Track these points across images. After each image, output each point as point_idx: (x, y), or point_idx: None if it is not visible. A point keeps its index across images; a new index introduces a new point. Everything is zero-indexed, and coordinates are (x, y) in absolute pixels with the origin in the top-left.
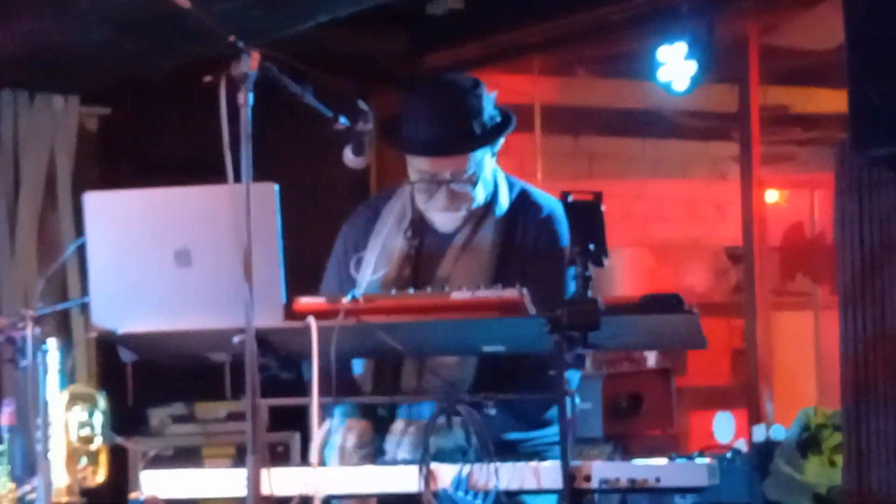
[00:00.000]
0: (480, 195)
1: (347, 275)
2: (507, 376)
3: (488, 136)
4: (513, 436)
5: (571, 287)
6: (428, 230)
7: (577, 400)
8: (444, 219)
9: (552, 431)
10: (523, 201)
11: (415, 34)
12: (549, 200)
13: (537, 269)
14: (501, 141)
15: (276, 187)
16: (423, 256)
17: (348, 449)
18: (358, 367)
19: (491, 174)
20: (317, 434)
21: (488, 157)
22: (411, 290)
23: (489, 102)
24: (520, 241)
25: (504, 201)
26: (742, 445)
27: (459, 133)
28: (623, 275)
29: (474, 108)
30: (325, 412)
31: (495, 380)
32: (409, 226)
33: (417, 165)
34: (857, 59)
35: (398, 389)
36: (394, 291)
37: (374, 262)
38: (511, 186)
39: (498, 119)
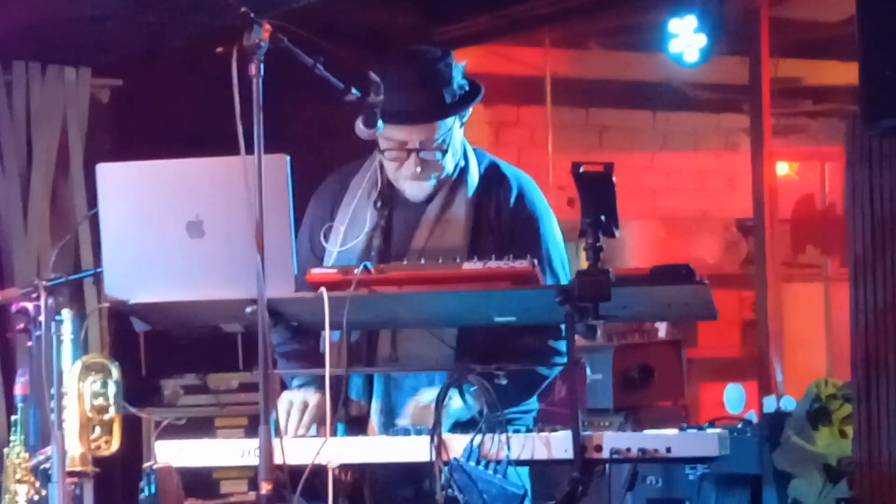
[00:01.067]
0: (450, 164)
1: (317, 245)
2: (489, 347)
3: (458, 105)
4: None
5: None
6: (398, 200)
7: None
8: (413, 188)
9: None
10: (494, 174)
11: (426, 6)
12: (518, 173)
13: (518, 247)
14: (469, 111)
15: (288, 158)
16: (395, 227)
17: (294, 417)
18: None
19: (460, 145)
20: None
21: (457, 127)
22: (422, 261)
23: (458, 72)
24: (494, 217)
25: (474, 173)
26: (752, 416)
27: (430, 101)
28: (633, 247)
29: (444, 76)
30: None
31: (476, 351)
32: (378, 196)
33: (387, 134)
34: (868, 31)
35: (373, 362)
36: (405, 262)
37: (344, 232)
38: (480, 158)
39: (467, 88)
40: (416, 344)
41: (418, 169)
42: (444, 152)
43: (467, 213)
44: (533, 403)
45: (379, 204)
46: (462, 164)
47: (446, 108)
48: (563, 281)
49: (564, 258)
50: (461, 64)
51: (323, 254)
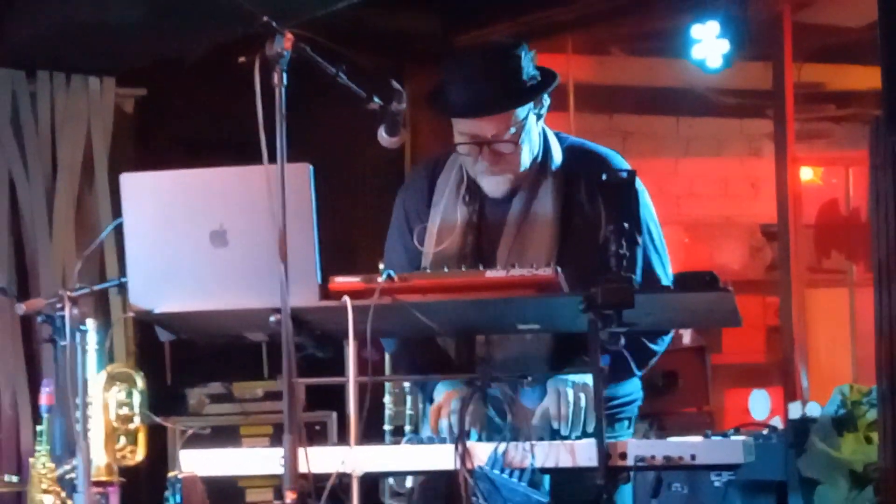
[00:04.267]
0: (526, 158)
1: (411, 246)
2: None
3: (527, 94)
4: None
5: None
6: (485, 197)
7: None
8: (490, 184)
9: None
10: (578, 153)
11: (447, 13)
12: (605, 151)
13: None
14: (546, 101)
15: (311, 167)
16: (486, 223)
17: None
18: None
19: (538, 137)
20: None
21: (533, 119)
22: (446, 269)
23: (528, 61)
24: (586, 198)
25: (557, 157)
26: (778, 423)
27: (497, 92)
28: None
29: (512, 66)
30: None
31: (573, 351)
32: (465, 191)
33: (459, 128)
34: (890, 36)
35: (472, 360)
36: (463, 268)
37: (438, 233)
38: (561, 141)
39: (539, 78)
40: (511, 345)
41: (492, 163)
42: (518, 144)
43: (554, 202)
44: (637, 392)
45: (467, 199)
46: (541, 151)
47: (515, 97)
48: (666, 263)
49: (663, 239)
50: (532, 53)
51: (417, 255)
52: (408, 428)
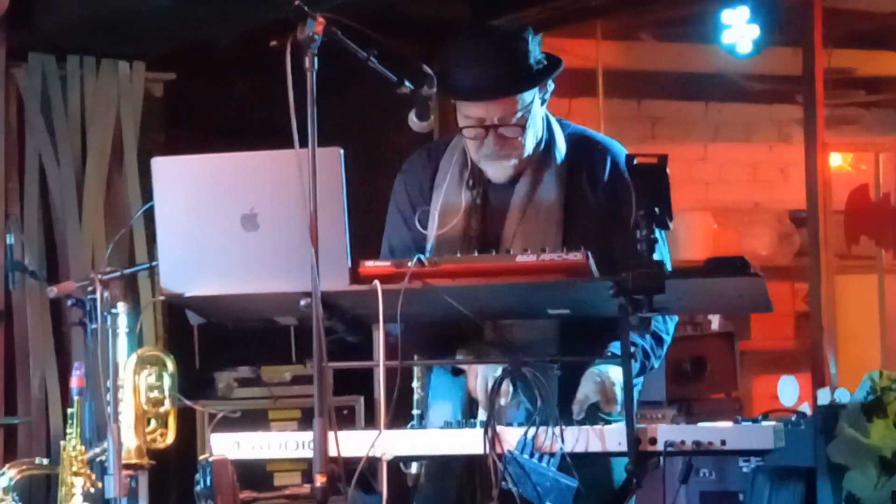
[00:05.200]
0: (530, 143)
1: (413, 228)
2: (593, 335)
3: (534, 78)
4: None
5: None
6: (489, 182)
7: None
8: (494, 169)
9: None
10: (582, 143)
11: None
12: (608, 141)
13: (619, 219)
14: (551, 86)
15: (342, 151)
16: (489, 208)
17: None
18: None
19: (542, 122)
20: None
21: (538, 104)
22: (476, 253)
23: (535, 46)
24: (589, 189)
25: (561, 146)
26: (806, 409)
27: (505, 75)
28: (685, 239)
29: (519, 50)
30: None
31: (581, 338)
32: (469, 175)
33: (465, 111)
34: None
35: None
36: (459, 255)
37: (440, 216)
38: (564, 128)
39: (545, 62)
40: (521, 329)
41: (497, 147)
42: (524, 128)
43: (558, 189)
44: (638, 378)
45: (471, 183)
46: (545, 138)
47: (522, 81)
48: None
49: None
50: (538, 37)
51: (420, 237)
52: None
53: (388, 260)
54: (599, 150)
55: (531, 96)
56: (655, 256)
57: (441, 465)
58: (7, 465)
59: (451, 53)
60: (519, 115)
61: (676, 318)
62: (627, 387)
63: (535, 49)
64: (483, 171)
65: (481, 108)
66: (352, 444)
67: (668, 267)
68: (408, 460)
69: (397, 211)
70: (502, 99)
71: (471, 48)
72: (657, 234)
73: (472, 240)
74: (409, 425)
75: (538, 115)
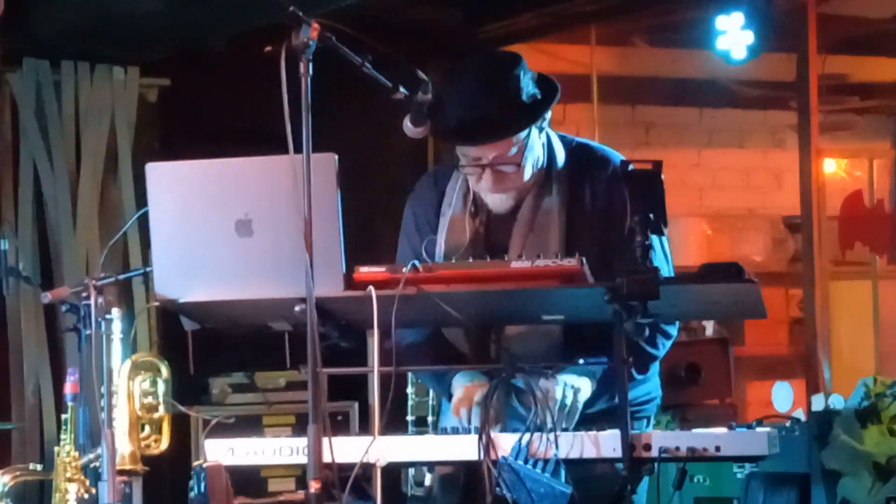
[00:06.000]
0: (529, 171)
1: (420, 255)
2: (595, 345)
3: (528, 117)
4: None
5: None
6: (490, 209)
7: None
8: (494, 200)
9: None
10: (583, 155)
11: (471, 4)
12: (608, 151)
13: (616, 232)
14: (548, 116)
15: (336, 157)
16: (492, 237)
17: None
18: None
19: (541, 146)
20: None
21: (536, 134)
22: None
23: (528, 80)
24: (590, 202)
25: (561, 158)
26: (800, 415)
27: (497, 117)
28: (679, 244)
29: (510, 89)
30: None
31: (587, 343)
32: (472, 204)
33: (461, 150)
34: None
35: (485, 355)
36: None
37: (445, 244)
38: (565, 142)
39: (539, 97)
40: (523, 340)
41: (495, 183)
42: (520, 165)
43: (559, 209)
44: (656, 391)
45: (473, 210)
46: (545, 159)
47: (514, 123)
48: (670, 261)
49: (666, 240)
50: (531, 73)
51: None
52: (431, 419)
53: (384, 266)
54: (601, 161)
55: (526, 132)
56: (656, 263)
57: (449, 476)
58: (1, 471)
59: (442, 92)
60: (514, 151)
61: (676, 334)
62: (622, 392)
63: (528, 84)
64: (483, 199)
65: (475, 148)
66: (346, 450)
67: (671, 273)
68: (402, 467)
69: (406, 237)
70: (495, 141)
71: (461, 86)
72: (658, 240)
73: None
74: (409, 432)
75: (536, 144)
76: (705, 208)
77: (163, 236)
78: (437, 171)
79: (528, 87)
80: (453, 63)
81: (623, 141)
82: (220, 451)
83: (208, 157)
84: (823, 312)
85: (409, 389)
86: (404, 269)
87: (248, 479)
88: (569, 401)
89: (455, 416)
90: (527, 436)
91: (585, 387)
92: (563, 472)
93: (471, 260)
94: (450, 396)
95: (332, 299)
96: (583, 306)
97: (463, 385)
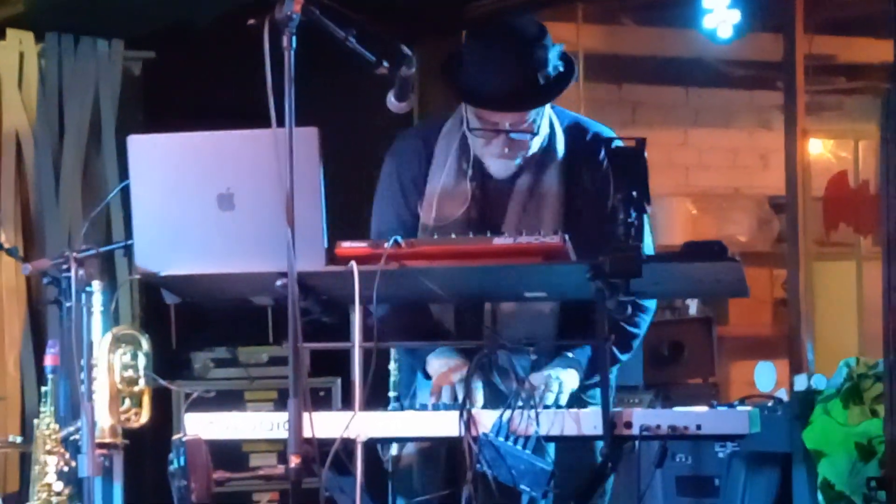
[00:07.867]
0: (537, 143)
1: (409, 212)
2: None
3: (552, 90)
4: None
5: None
6: (487, 174)
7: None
8: (498, 165)
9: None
10: (579, 133)
11: None
12: (603, 129)
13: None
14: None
15: (318, 131)
16: (488, 200)
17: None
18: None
19: (547, 119)
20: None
21: (548, 107)
22: (453, 235)
23: (554, 53)
24: (588, 179)
25: (560, 138)
26: (783, 395)
27: (526, 87)
28: (665, 224)
29: (539, 61)
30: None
31: (580, 330)
32: (469, 167)
33: (479, 114)
34: None
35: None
36: (471, 234)
37: (436, 204)
38: (561, 118)
39: (561, 69)
40: (517, 319)
41: (506, 149)
42: (534, 133)
43: (559, 182)
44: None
45: (470, 173)
46: (547, 135)
47: (542, 95)
48: (652, 239)
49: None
50: (558, 45)
51: (411, 225)
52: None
53: (366, 241)
54: (595, 138)
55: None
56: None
57: (425, 450)
58: None
59: (473, 58)
60: (530, 120)
61: (654, 308)
62: (603, 370)
63: (554, 56)
64: (485, 165)
65: (497, 114)
66: (327, 425)
67: (653, 251)
68: (384, 443)
69: (386, 196)
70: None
71: (489, 55)
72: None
73: (472, 230)
74: (390, 408)
75: (546, 116)
76: (691, 188)
77: (144, 209)
78: (423, 130)
79: (553, 60)
80: (482, 28)
81: (609, 120)
82: (201, 425)
83: (192, 130)
84: (807, 293)
85: (392, 366)
86: (386, 245)
87: (229, 454)
88: (553, 391)
89: (433, 398)
90: (508, 412)
91: (573, 379)
92: (551, 450)
93: (467, 227)
94: (423, 368)
95: (314, 274)
96: (565, 284)
97: (440, 368)
